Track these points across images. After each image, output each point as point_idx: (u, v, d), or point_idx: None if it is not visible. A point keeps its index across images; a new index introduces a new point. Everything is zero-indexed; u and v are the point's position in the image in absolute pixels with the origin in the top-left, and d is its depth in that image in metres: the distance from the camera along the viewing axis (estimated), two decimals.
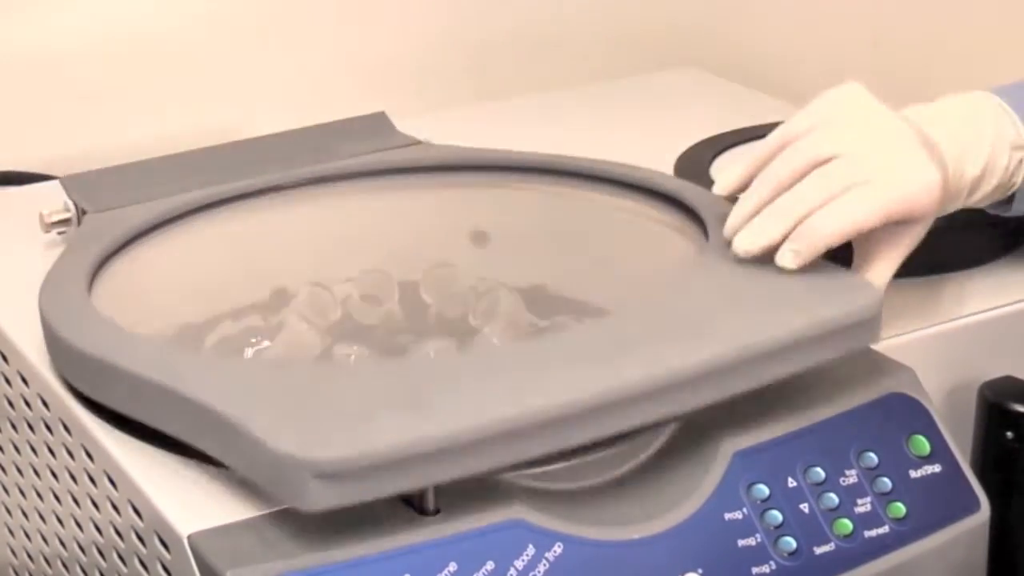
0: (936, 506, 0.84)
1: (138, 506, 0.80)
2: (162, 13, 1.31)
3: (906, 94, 0.92)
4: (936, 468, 0.85)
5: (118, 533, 0.83)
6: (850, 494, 0.82)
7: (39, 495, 0.97)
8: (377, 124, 1.15)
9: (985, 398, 0.95)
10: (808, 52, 1.53)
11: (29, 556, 1.04)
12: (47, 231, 1.05)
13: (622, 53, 1.51)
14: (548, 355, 0.78)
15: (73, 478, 0.89)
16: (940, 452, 0.85)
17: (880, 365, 0.87)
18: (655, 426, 0.81)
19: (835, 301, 0.81)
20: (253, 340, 0.95)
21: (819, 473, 0.82)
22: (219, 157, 1.10)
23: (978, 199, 0.91)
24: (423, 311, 1.01)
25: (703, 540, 0.78)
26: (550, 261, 1.04)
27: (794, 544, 0.80)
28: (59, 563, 0.97)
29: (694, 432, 0.82)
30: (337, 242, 1.05)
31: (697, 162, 1.13)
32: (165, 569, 0.77)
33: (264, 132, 1.15)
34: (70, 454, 0.88)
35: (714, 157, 1.14)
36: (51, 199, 1.06)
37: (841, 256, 0.86)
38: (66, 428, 0.88)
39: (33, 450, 0.96)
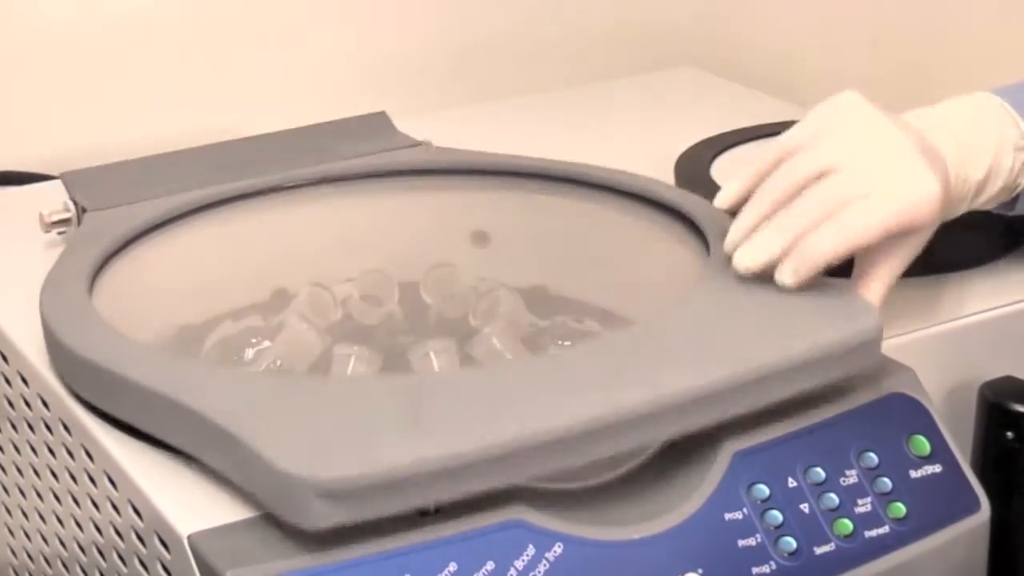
0: (936, 506, 0.84)
1: (138, 506, 0.80)
2: (162, 12, 1.31)
3: (906, 94, 0.92)
4: (936, 468, 0.85)
5: (118, 533, 0.83)
6: (850, 494, 0.82)
7: (39, 495, 0.97)
8: (378, 124, 1.15)
9: (985, 398, 0.95)
10: (808, 52, 1.53)
11: (29, 556, 1.04)
12: (47, 231, 1.05)
13: (622, 53, 1.51)
14: (549, 376, 0.78)
15: (73, 478, 0.89)
16: (940, 452, 0.85)
17: (880, 365, 0.87)
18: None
19: (834, 325, 0.81)
20: (253, 340, 0.95)
21: (819, 473, 0.82)
22: (219, 155, 1.10)
23: (983, 202, 0.91)
24: (423, 311, 1.01)
25: (703, 540, 0.78)
26: (550, 262, 1.04)
27: (794, 544, 0.80)
28: (59, 563, 0.97)
29: (694, 432, 0.82)
30: (337, 242, 1.05)
31: (697, 162, 1.13)
32: (165, 569, 0.77)
33: (264, 131, 1.15)
34: (70, 454, 0.88)
35: (714, 157, 1.14)
36: (51, 199, 1.06)
37: (843, 264, 0.85)
38: (66, 428, 0.88)
39: (33, 450, 0.95)
